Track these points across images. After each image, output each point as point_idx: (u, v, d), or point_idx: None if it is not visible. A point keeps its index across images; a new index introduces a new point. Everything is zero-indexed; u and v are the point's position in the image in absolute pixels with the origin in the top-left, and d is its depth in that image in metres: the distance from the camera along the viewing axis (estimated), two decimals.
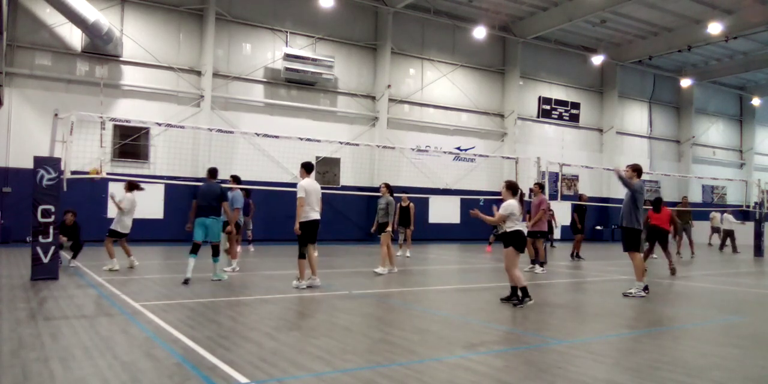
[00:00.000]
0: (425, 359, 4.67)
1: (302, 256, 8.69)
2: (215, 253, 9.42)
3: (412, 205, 15.35)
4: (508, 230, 7.43)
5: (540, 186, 12.27)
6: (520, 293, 7.45)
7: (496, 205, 7.83)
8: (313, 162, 20.28)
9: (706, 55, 30.40)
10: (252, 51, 21.18)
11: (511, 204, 7.45)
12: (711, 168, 33.84)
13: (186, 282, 8.83)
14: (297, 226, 8.53)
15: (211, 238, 9.33)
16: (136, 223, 11.51)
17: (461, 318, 6.66)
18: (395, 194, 15.63)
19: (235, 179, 11.17)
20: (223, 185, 9.84)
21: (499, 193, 7.90)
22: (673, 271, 11.83)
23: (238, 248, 11.53)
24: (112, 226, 10.81)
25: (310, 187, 8.58)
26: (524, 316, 6.81)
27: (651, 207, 12.62)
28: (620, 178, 8.81)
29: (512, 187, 7.63)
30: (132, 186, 10.90)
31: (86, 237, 17.30)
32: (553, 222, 16.75)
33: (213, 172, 9.53)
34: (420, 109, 24.66)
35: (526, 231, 7.58)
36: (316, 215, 8.66)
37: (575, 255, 15.34)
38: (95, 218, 17.64)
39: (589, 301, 8.25)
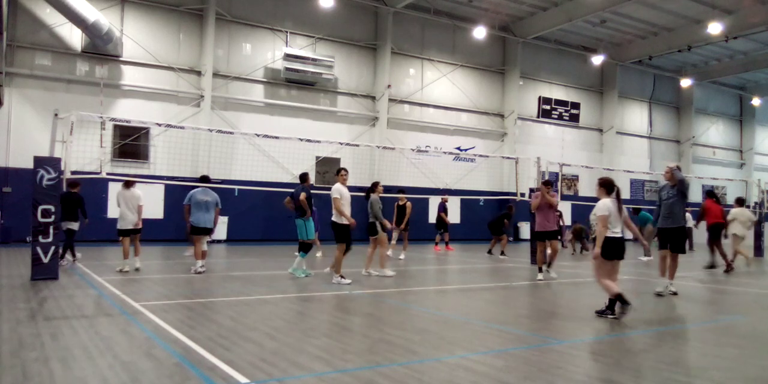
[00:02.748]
0: (425, 359, 4.67)
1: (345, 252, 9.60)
2: (300, 249, 10.40)
3: (408, 203, 15.30)
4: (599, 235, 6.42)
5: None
6: (607, 302, 6.51)
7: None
8: (314, 162, 20.09)
9: (706, 55, 30.40)
10: (252, 51, 21.18)
11: (606, 203, 6.54)
12: (711, 168, 33.86)
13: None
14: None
15: (300, 236, 10.46)
16: None
17: (461, 318, 6.66)
18: (392, 194, 15.66)
19: (204, 179, 11.07)
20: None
21: (498, 193, 7.87)
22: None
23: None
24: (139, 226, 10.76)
25: (340, 192, 9.72)
26: (524, 316, 6.81)
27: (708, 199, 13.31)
28: (680, 181, 8.52)
29: (606, 185, 6.72)
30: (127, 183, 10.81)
31: (86, 237, 17.44)
32: (561, 221, 17.21)
33: (300, 177, 10.73)
34: (420, 109, 24.66)
35: (619, 235, 6.56)
36: (333, 218, 9.66)
37: (491, 252, 16.49)
38: (95, 218, 17.63)
39: (589, 301, 8.24)
